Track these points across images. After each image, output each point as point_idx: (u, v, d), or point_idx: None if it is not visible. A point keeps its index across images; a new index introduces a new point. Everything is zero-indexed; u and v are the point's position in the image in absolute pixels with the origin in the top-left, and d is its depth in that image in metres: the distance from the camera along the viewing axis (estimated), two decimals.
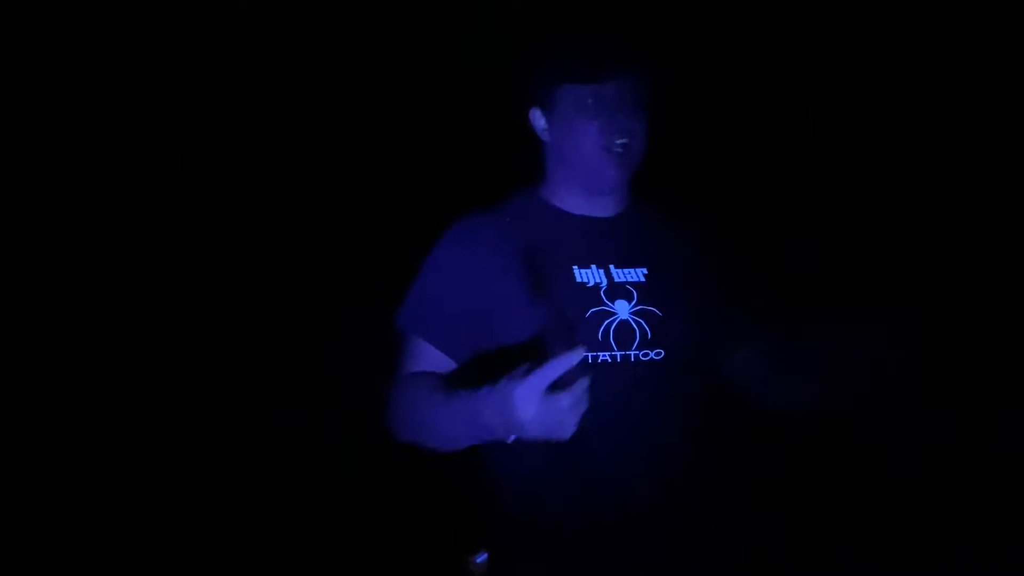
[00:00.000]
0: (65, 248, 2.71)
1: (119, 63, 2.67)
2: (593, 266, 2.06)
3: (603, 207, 2.13)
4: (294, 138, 2.73)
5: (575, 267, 2.05)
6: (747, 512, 2.15)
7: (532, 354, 1.93)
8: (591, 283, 2.04)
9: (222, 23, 2.66)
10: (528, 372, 1.73)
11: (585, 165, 2.07)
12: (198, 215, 2.73)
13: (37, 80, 2.66)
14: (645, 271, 2.07)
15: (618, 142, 2.04)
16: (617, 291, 2.04)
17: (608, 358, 1.99)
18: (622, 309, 2.02)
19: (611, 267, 2.07)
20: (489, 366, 1.98)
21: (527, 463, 1.98)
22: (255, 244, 2.73)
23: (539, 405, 1.71)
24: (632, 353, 2.00)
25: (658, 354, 2.01)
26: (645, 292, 2.04)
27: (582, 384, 1.72)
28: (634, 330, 2.01)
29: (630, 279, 2.06)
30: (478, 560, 2.03)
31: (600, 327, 1.99)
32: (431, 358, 2.05)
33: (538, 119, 2.12)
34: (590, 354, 1.98)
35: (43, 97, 2.67)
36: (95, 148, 2.70)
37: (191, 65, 2.69)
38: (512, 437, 1.79)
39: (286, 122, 2.72)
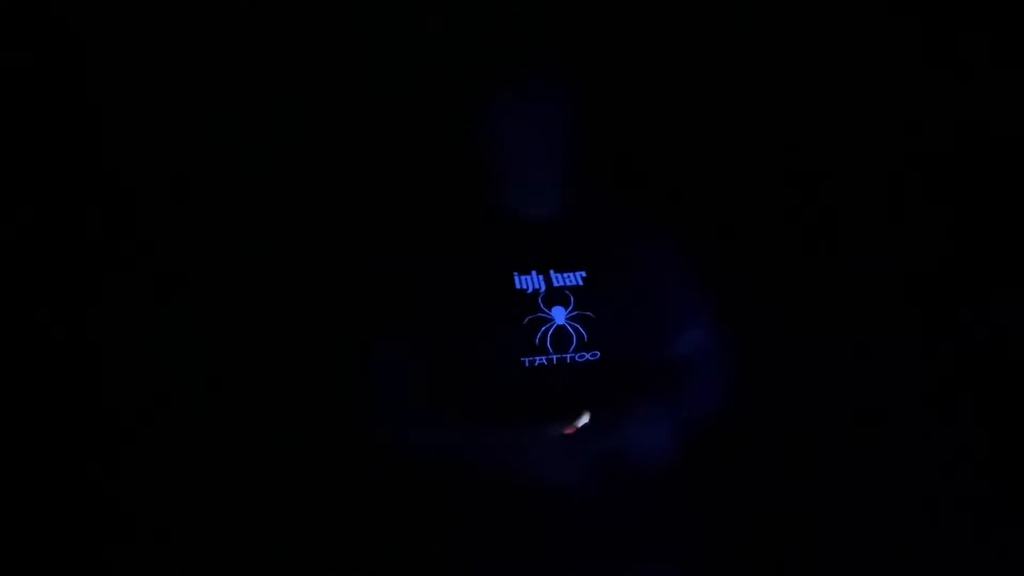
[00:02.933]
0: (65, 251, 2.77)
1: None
2: (533, 272, 2.15)
3: (544, 210, 2.20)
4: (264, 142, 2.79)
5: (515, 272, 2.15)
6: (693, 510, 2.25)
7: (473, 361, 2.08)
8: (530, 289, 2.13)
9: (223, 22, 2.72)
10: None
11: (519, 167, 2.16)
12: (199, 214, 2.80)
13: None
14: (583, 274, 2.16)
15: (546, 141, 2.13)
16: (555, 297, 2.13)
17: (544, 361, 2.09)
18: (559, 315, 2.12)
19: (551, 272, 2.16)
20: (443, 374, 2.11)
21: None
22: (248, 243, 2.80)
23: None
24: (569, 356, 2.10)
25: (594, 355, 2.11)
26: (582, 296, 2.14)
27: None
28: (571, 334, 2.11)
29: (568, 283, 2.15)
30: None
31: (537, 334, 2.09)
32: (401, 363, 2.14)
33: (471, 120, 2.19)
34: (526, 359, 2.08)
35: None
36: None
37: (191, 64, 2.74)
38: None
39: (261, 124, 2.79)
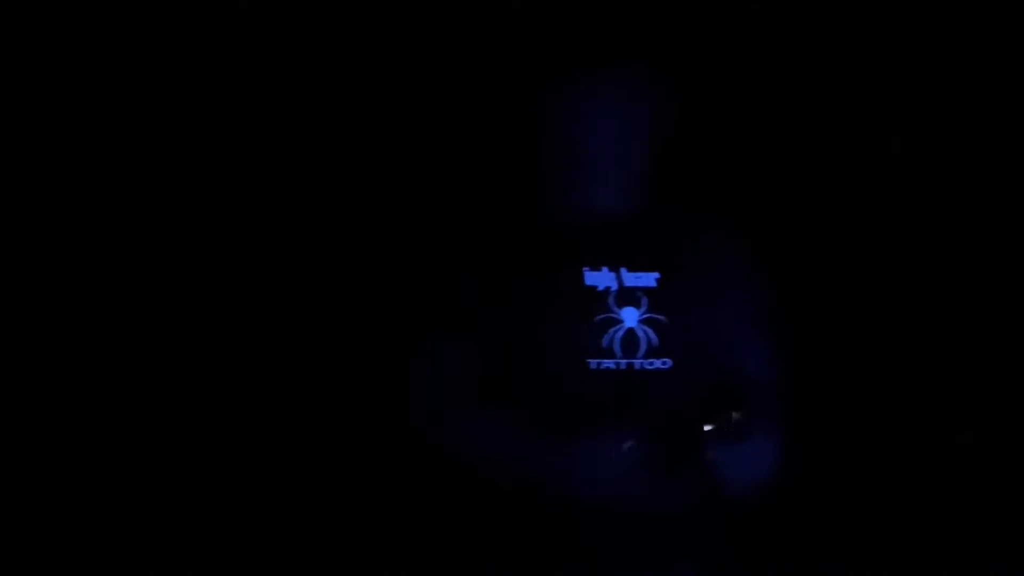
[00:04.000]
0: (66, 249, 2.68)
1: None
2: (604, 268, 2.02)
3: (617, 203, 2.07)
4: (292, 136, 2.69)
5: (585, 268, 2.01)
6: (755, 521, 2.12)
7: (537, 361, 1.94)
8: (601, 287, 2.00)
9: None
10: None
11: (594, 162, 2.03)
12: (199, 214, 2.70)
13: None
14: (657, 275, 2.03)
15: (626, 135, 2.00)
16: (627, 297, 1.99)
17: (612, 365, 1.95)
18: (630, 317, 1.98)
19: (622, 270, 2.02)
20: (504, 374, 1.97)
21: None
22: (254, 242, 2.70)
23: None
24: (637, 361, 1.96)
25: (664, 363, 1.97)
26: (656, 299, 2.00)
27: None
28: (639, 338, 1.97)
29: (641, 284, 2.01)
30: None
31: (605, 335, 1.95)
32: (450, 363, 2.01)
33: (541, 111, 2.06)
34: (592, 361, 1.95)
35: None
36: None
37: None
38: None
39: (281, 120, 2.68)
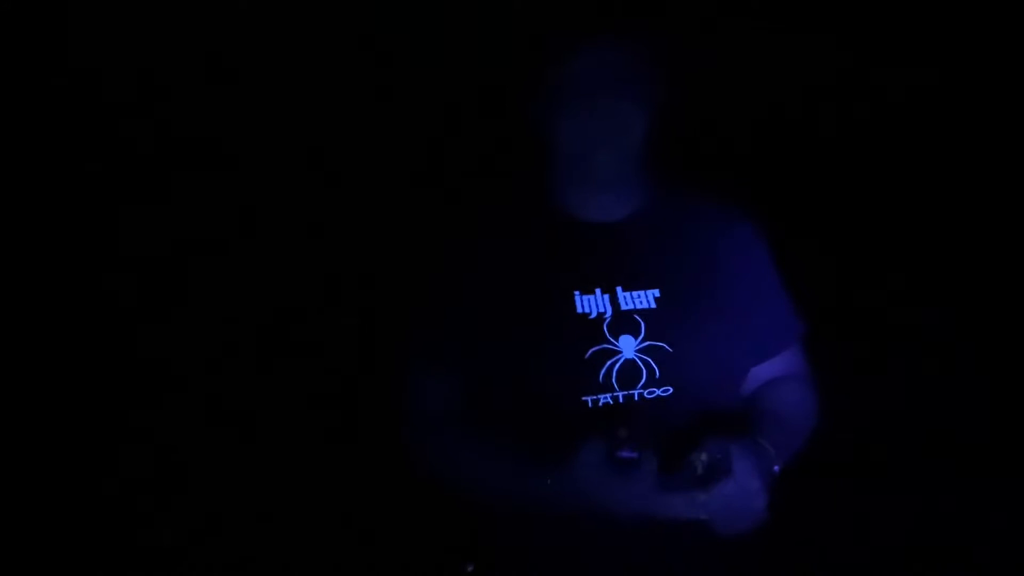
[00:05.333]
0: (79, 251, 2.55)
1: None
2: (598, 291, 1.84)
3: (611, 209, 1.89)
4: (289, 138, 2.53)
5: (577, 292, 1.84)
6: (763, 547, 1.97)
7: (529, 399, 1.79)
8: (593, 314, 1.82)
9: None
10: None
11: (584, 163, 1.83)
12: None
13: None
14: (656, 293, 1.85)
15: (613, 134, 1.80)
16: (623, 323, 1.82)
17: (610, 399, 1.79)
18: (627, 347, 1.81)
19: (618, 290, 1.84)
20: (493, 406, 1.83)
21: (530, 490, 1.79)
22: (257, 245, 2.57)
23: None
24: (636, 392, 1.80)
25: (665, 391, 1.81)
26: (654, 323, 1.82)
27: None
28: (640, 369, 1.80)
29: (639, 305, 1.84)
30: (470, 569, 1.88)
31: (602, 369, 1.79)
32: (444, 390, 1.87)
33: (530, 111, 1.87)
34: (589, 398, 1.79)
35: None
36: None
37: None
38: None
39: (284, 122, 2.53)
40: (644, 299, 1.84)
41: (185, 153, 2.59)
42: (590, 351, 1.79)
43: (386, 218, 2.51)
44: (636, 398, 1.80)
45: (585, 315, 1.82)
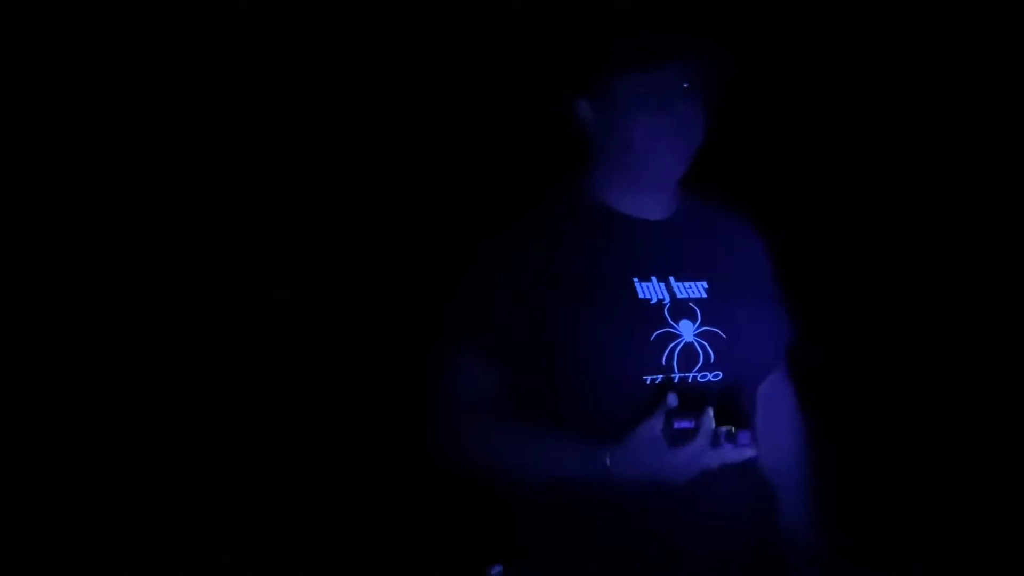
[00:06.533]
0: (73, 253, 2.54)
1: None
2: (654, 279, 1.94)
3: (658, 208, 2.00)
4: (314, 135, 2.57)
5: (636, 279, 1.93)
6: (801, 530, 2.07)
7: (592, 379, 1.86)
8: (654, 300, 1.92)
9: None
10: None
11: (640, 164, 1.93)
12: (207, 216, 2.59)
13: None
14: (705, 284, 1.95)
15: (676, 137, 1.91)
16: (680, 309, 1.92)
17: (673, 378, 1.88)
18: (687, 330, 1.91)
19: (671, 280, 1.94)
20: (547, 389, 1.89)
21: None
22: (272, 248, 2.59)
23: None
24: (692, 375, 1.89)
25: (716, 376, 1.91)
26: (708, 310, 1.93)
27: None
28: (698, 353, 1.90)
29: (692, 295, 1.94)
30: (493, 572, 1.93)
31: (664, 351, 1.88)
32: (485, 380, 1.92)
33: (585, 111, 1.96)
34: (648, 377, 1.87)
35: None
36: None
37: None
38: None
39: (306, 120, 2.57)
40: (696, 289, 1.95)
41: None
42: (655, 334, 1.88)
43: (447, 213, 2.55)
44: (690, 380, 1.89)
45: (647, 300, 1.91)
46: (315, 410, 2.59)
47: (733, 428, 1.75)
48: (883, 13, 2.63)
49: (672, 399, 1.77)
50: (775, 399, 2.10)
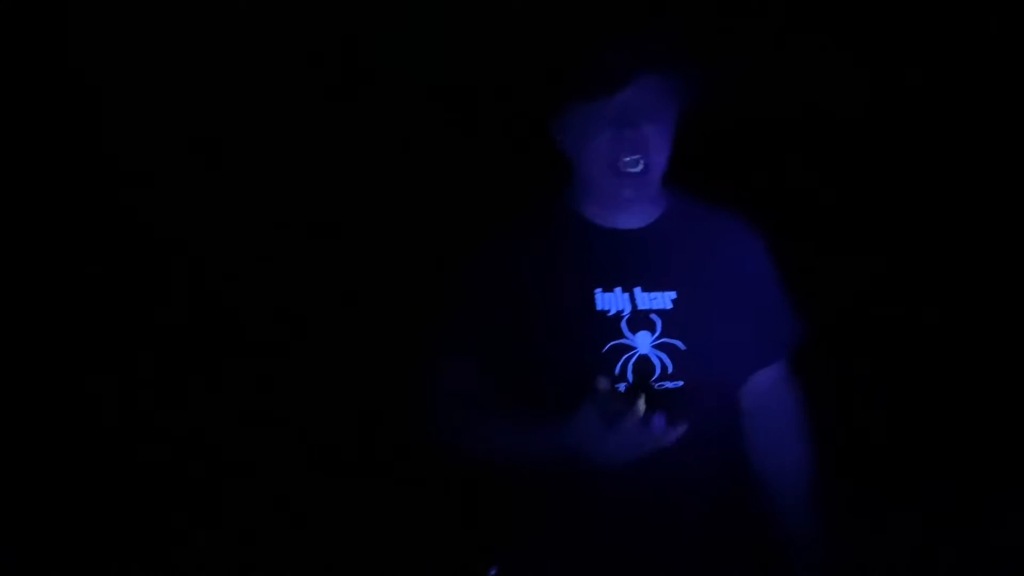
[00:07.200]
0: (59, 247, 2.65)
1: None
2: (618, 289, 1.97)
3: (631, 219, 2.02)
4: (308, 137, 2.63)
5: (598, 290, 1.97)
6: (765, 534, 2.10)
7: (553, 385, 1.91)
8: (612, 311, 1.96)
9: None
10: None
11: (598, 185, 1.96)
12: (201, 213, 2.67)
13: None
14: (674, 295, 1.98)
15: (627, 159, 1.91)
16: (640, 320, 1.96)
17: (623, 388, 1.92)
18: (643, 343, 1.95)
19: (637, 290, 1.98)
20: (522, 391, 1.95)
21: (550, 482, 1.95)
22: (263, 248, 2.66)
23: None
24: (649, 383, 1.94)
25: (676, 384, 1.94)
26: (670, 322, 1.96)
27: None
28: (654, 364, 1.94)
29: (655, 306, 1.97)
30: (491, 574, 2.00)
31: (618, 362, 1.92)
32: (471, 379, 1.99)
33: (555, 132, 2.00)
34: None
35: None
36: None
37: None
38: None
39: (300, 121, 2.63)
40: (661, 300, 1.97)
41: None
42: (607, 345, 1.92)
43: (424, 219, 2.60)
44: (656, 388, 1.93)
45: (604, 312, 1.95)
46: (313, 410, 2.66)
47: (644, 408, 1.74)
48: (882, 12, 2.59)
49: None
50: (773, 401, 2.12)
